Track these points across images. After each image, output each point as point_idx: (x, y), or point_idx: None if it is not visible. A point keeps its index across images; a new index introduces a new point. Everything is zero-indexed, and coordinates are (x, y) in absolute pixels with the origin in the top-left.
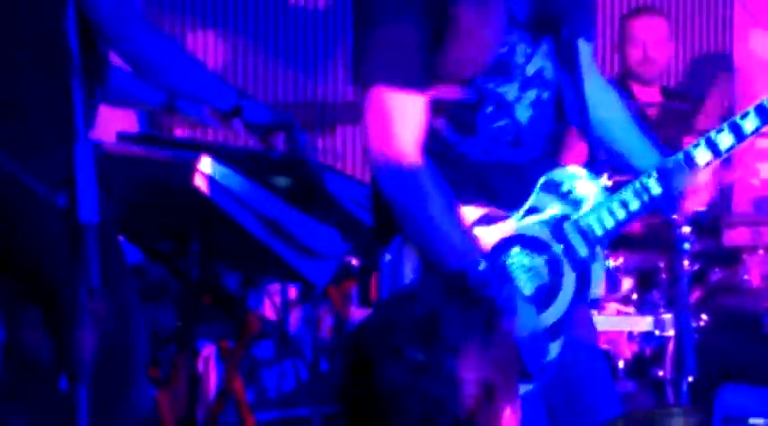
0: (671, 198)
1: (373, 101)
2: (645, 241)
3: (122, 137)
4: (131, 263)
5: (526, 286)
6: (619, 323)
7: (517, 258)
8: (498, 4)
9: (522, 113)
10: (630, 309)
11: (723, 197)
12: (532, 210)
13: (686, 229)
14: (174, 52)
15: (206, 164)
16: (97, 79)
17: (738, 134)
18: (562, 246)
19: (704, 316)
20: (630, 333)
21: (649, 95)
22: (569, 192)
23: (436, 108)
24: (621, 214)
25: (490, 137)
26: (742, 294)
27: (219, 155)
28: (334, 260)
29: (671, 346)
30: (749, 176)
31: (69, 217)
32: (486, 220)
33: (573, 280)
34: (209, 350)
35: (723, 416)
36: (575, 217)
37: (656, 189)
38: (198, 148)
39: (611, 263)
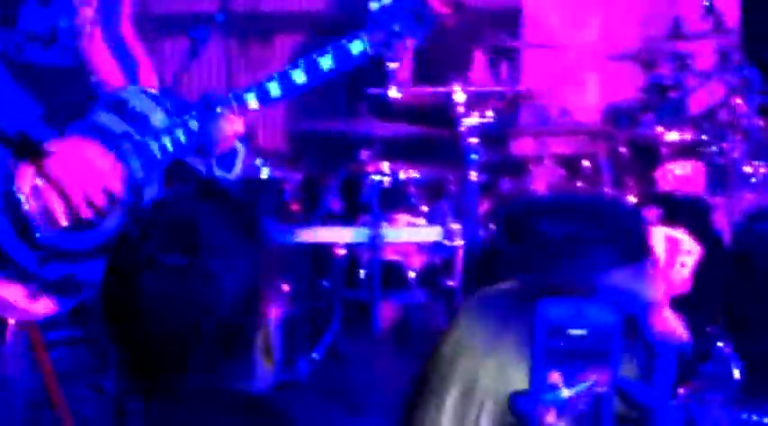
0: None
1: None
2: (434, 152)
3: None
4: None
5: None
6: (409, 234)
7: None
8: None
9: (63, 21)
10: (420, 220)
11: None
12: (91, 125)
13: (474, 140)
14: None
15: None
16: None
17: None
18: (121, 165)
19: (492, 226)
20: (420, 244)
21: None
22: (133, 111)
23: None
24: (184, 140)
25: (28, 34)
26: None
27: None
28: None
29: (460, 255)
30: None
31: None
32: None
33: (126, 202)
34: None
35: (547, 330)
36: (137, 138)
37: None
38: None
39: (402, 175)
